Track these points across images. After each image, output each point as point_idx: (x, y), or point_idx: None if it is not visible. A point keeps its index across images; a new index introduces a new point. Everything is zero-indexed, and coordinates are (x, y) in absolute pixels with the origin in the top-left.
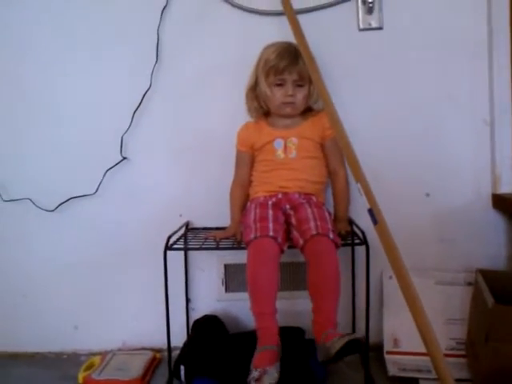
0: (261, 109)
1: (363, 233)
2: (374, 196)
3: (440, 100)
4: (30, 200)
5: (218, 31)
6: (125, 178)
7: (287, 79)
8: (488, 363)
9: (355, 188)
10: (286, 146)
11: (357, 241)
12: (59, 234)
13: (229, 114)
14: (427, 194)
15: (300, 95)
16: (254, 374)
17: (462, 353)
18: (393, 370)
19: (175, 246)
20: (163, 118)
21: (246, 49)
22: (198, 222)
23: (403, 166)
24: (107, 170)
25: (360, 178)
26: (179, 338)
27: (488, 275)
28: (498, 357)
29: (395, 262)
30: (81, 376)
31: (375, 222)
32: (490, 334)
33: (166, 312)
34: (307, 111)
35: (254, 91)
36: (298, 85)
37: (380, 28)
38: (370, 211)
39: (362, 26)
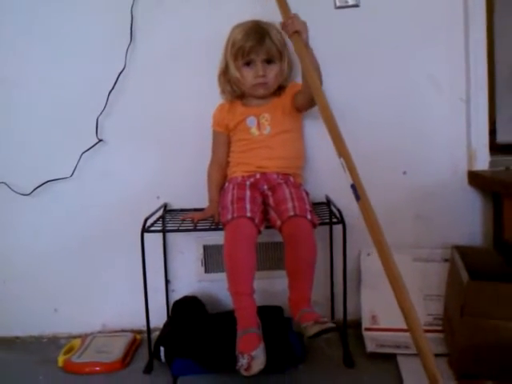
0: (234, 92)
1: (340, 212)
2: (357, 172)
3: (417, 79)
4: (6, 184)
5: (192, 10)
6: (101, 161)
7: (255, 59)
8: (463, 338)
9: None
10: (259, 123)
11: (334, 220)
12: (36, 217)
13: (205, 93)
14: (404, 172)
15: (271, 73)
16: (242, 361)
17: (440, 328)
18: (371, 347)
19: (152, 229)
20: (139, 98)
21: (220, 27)
22: (176, 204)
23: (381, 144)
24: (83, 153)
25: (343, 153)
26: (160, 319)
27: (464, 252)
28: (473, 331)
29: (377, 238)
30: (61, 359)
31: (358, 197)
32: (465, 310)
33: (144, 294)
34: (280, 89)
35: (225, 75)
36: (268, 62)
37: (356, 5)
38: (353, 187)
39: (338, 4)
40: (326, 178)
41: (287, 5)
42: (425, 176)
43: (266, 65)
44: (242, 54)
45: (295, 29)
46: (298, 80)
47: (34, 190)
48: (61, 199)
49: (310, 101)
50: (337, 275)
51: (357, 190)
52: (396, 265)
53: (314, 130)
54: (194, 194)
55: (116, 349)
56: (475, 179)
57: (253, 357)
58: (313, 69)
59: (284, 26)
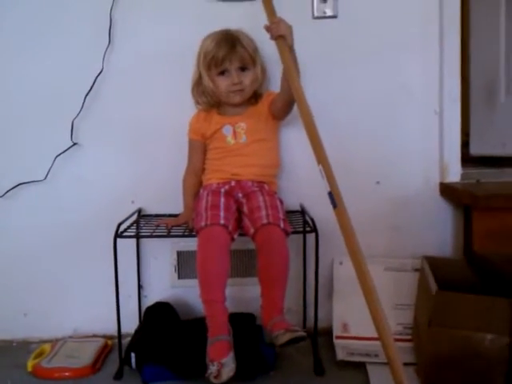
0: (209, 103)
1: (313, 220)
2: (336, 180)
3: (392, 90)
4: None
5: (172, 14)
6: (75, 164)
7: (230, 68)
8: (430, 347)
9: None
10: (234, 132)
11: (308, 228)
12: (7, 220)
13: (182, 99)
14: (377, 182)
15: (247, 80)
16: (212, 369)
17: (409, 337)
18: (341, 355)
19: (125, 234)
20: (115, 102)
21: (200, 33)
22: (151, 209)
23: (355, 154)
24: (57, 156)
25: (322, 160)
26: (132, 325)
27: (433, 262)
28: (440, 342)
29: (352, 247)
30: (30, 364)
31: (335, 205)
32: (433, 320)
33: (116, 299)
34: (256, 97)
35: (199, 86)
36: (242, 70)
37: (334, 16)
38: (330, 194)
39: (316, 14)
40: (301, 187)
41: (273, 8)
42: (398, 186)
43: (241, 72)
44: (216, 63)
45: (280, 33)
46: (273, 88)
47: (6, 192)
48: (33, 202)
49: (287, 105)
50: (310, 283)
51: (334, 198)
52: (369, 273)
53: (291, 138)
54: (170, 199)
55: (86, 354)
56: (447, 191)
57: (222, 364)
58: (296, 73)
59: (268, 29)
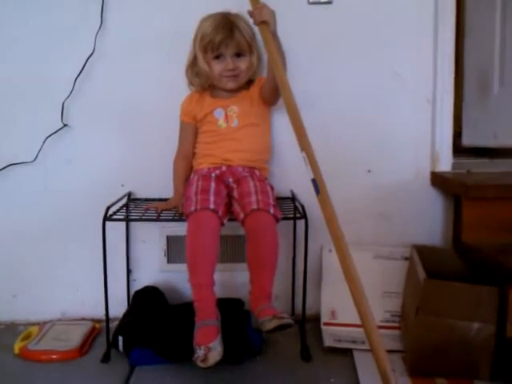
0: (203, 85)
1: (303, 207)
2: (319, 166)
3: (385, 77)
4: None
5: None
6: (65, 146)
7: (225, 53)
8: (417, 335)
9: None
10: (226, 115)
11: (297, 215)
12: None
13: (174, 82)
14: (369, 171)
15: (243, 65)
16: (199, 353)
17: (396, 325)
18: (328, 341)
19: (115, 217)
20: (107, 84)
21: (193, 17)
22: (141, 193)
23: (346, 142)
24: (47, 137)
25: (305, 147)
26: (120, 308)
27: (423, 251)
28: (427, 329)
29: (334, 232)
30: (17, 346)
31: (318, 191)
32: (421, 308)
33: (104, 283)
34: (248, 82)
35: (193, 67)
36: (238, 56)
37: (329, 2)
38: (314, 181)
39: (311, 0)
40: (292, 173)
41: None
42: (389, 175)
43: (236, 58)
44: (212, 47)
45: (262, 19)
46: (264, 74)
47: None
48: (23, 184)
49: (274, 91)
50: (299, 270)
51: (317, 185)
52: (352, 258)
53: (282, 125)
54: (160, 183)
55: (74, 337)
56: (437, 180)
57: (210, 348)
58: (279, 60)
59: (252, 15)
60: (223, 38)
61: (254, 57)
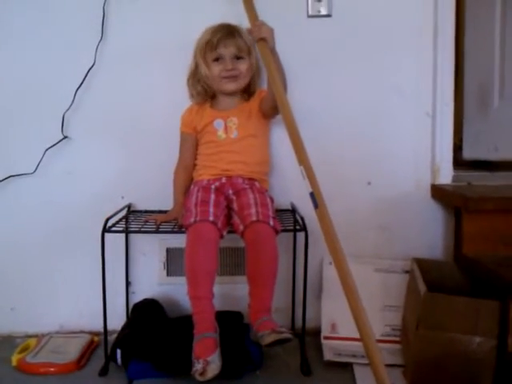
0: (205, 92)
1: (303, 219)
2: (317, 180)
3: (385, 90)
4: None
5: (165, 10)
6: (66, 158)
7: (224, 54)
8: (418, 349)
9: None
10: (226, 126)
11: (297, 227)
12: None
13: (174, 94)
14: (369, 183)
15: (242, 67)
16: (197, 366)
17: (397, 339)
18: (329, 355)
19: (114, 229)
20: (107, 96)
21: (193, 28)
22: (141, 205)
23: (346, 154)
24: (47, 149)
25: (303, 161)
26: (119, 321)
27: (423, 264)
28: (427, 344)
29: (333, 246)
30: (15, 358)
31: (316, 205)
32: (421, 322)
33: (102, 295)
34: (249, 94)
35: (194, 76)
36: (238, 58)
37: (329, 15)
38: (312, 195)
39: (310, 13)
40: (292, 186)
41: (254, 11)
42: (389, 188)
43: (235, 60)
44: (211, 47)
45: (261, 36)
46: (265, 86)
47: None
48: (23, 195)
49: (273, 107)
50: (299, 283)
51: (315, 198)
52: (350, 271)
53: (282, 137)
54: (160, 195)
55: (72, 350)
56: (438, 193)
57: (208, 362)
58: (278, 76)
59: (250, 32)
60: (221, 36)
61: (254, 59)
